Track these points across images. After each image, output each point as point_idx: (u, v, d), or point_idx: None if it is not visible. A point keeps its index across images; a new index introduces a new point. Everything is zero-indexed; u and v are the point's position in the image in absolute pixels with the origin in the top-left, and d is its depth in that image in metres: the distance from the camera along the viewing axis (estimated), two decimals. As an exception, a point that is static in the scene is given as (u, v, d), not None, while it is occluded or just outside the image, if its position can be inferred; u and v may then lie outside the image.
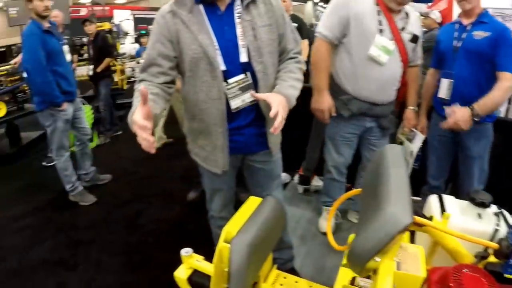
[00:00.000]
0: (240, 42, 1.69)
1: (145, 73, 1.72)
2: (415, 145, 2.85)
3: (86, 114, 4.42)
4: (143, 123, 1.32)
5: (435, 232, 1.57)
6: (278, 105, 1.59)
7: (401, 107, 2.85)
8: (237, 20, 1.69)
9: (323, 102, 2.56)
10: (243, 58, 1.71)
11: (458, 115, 2.38)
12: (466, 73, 2.51)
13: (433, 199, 2.01)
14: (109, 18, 12.10)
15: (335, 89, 2.58)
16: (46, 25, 3.35)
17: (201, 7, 1.68)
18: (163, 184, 4.21)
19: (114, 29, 9.11)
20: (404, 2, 2.38)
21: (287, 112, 1.67)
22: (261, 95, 1.68)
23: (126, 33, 4.55)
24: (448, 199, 2.00)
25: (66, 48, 3.63)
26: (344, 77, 2.53)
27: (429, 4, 6.11)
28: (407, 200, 1.03)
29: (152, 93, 1.60)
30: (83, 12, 11.58)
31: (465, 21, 2.57)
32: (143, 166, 4.66)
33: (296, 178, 3.73)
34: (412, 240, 1.79)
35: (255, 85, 1.75)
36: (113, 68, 7.07)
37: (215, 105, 1.74)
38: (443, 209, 1.89)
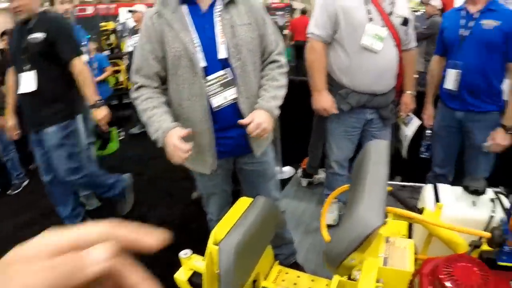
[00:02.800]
0: (219, 39, 1.75)
1: (139, 76, 1.80)
2: (410, 129, 2.84)
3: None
4: (185, 147, 1.65)
5: (427, 224, 1.57)
6: (256, 119, 1.74)
7: (401, 96, 2.82)
8: (217, 19, 1.75)
9: (325, 101, 2.54)
10: (222, 54, 1.76)
11: (499, 140, 2.43)
12: (474, 64, 2.45)
13: (427, 189, 1.99)
14: (114, 17, 12.12)
15: (333, 84, 2.56)
16: None
17: (184, 7, 1.76)
18: (166, 184, 4.24)
19: (119, 28, 9.07)
20: None
21: (271, 123, 1.80)
22: (246, 120, 1.75)
23: (135, 31, 4.49)
24: (443, 188, 1.98)
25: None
26: (340, 72, 2.51)
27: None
28: (379, 202, 1.03)
29: (162, 103, 1.81)
30: (89, 11, 11.59)
31: (472, 9, 2.47)
32: (148, 167, 4.69)
33: (300, 171, 3.74)
34: (411, 230, 1.78)
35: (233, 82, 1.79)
36: (117, 68, 7.08)
37: (198, 101, 1.77)
38: (437, 199, 1.88)
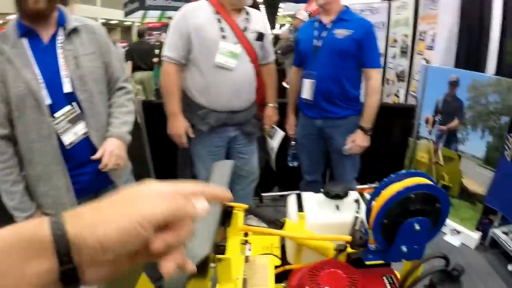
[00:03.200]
0: (63, 73, 1.65)
1: None
2: (275, 141, 2.89)
3: None
4: None
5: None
6: (108, 148, 1.70)
7: (264, 110, 2.84)
8: (59, 51, 1.65)
9: (179, 126, 2.47)
10: (67, 88, 1.66)
11: (358, 142, 2.53)
12: (327, 73, 2.54)
13: (291, 199, 1.96)
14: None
15: (191, 106, 2.50)
16: None
17: (24, 40, 1.62)
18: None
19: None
20: (240, 3, 2.38)
21: (123, 149, 1.79)
22: (98, 154, 1.69)
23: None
24: (307, 196, 1.96)
25: None
26: (197, 92, 2.45)
27: (305, 4, 6.26)
28: (208, 228, 0.97)
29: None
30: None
31: (325, 19, 2.58)
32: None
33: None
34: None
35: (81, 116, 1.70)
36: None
37: (48, 142, 1.64)
38: (300, 208, 1.86)
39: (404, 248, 1.37)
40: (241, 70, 2.40)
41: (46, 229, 0.41)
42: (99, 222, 0.42)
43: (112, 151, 1.69)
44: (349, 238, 1.46)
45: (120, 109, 1.83)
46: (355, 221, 1.77)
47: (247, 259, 1.32)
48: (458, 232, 3.27)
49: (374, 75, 2.53)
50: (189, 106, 2.49)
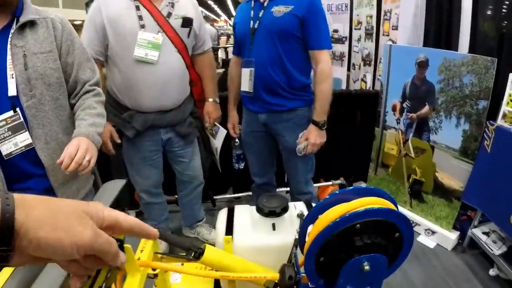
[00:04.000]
0: (9, 72, 1.41)
1: None
2: (219, 141, 2.58)
3: None
4: None
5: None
6: (68, 149, 1.40)
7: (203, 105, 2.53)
8: (8, 46, 1.41)
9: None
10: (12, 91, 1.41)
11: (312, 139, 2.18)
12: (267, 59, 2.15)
13: (221, 215, 1.61)
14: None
15: (116, 108, 2.19)
16: None
17: None
18: None
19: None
20: None
21: (93, 150, 1.48)
22: (61, 158, 1.38)
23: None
24: (240, 211, 1.61)
25: None
26: (119, 92, 2.15)
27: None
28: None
29: None
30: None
31: None
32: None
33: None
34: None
35: (26, 124, 1.45)
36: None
37: None
38: (230, 228, 1.45)
39: (351, 291, 0.97)
40: (167, 63, 2.08)
41: None
42: (46, 223, 0.48)
43: (71, 153, 1.39)
44: (275, 276, 1.13)
45: (88, 110, 1.58)
46: (295, 245, 1.38)
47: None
48: (433, 232, 3.01)
49: (323, 58, 2.12)
50: (114, 108, 2.20)
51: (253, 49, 2.17)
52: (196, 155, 2.53)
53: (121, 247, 1.01)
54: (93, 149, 1.47)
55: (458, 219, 2.96)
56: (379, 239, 0.92)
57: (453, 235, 2.92)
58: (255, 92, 2.21)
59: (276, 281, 1.12)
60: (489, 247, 2.61)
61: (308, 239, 1.00)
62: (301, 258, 1.15)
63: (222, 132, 2.56)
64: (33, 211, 0.48)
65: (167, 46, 2.06)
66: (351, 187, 1.04)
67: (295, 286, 1.06)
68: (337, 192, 1.03)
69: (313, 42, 2.09)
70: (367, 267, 0.91)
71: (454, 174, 2.85)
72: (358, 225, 0.89)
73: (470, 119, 2.66)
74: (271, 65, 2.13)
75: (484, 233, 2.76)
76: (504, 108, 2.45)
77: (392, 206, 1.02)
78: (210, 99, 2.46)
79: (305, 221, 1.08)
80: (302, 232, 1.10)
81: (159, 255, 1.33)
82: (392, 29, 3.90)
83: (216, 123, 2.55)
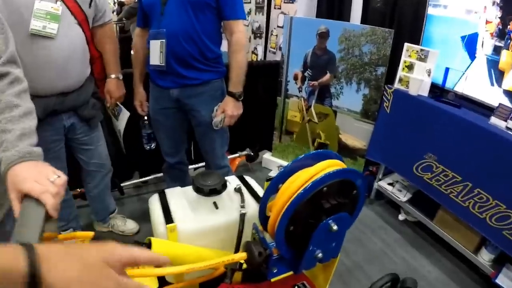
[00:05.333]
0: None
1: None
2: (121, 122, 2.39)
3: None
4: None
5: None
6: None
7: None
8: None
9: None
10: None
11: (229, 111, 2.11)
12: (181, 29, 2.02)
13: (153, 203, 1.47)
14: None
15: None
16: None
17: None
18: None
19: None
20: None
21: (49, 173, 0.96)
22: None
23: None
24: (173, 195, 1.50)
25: None
26: None
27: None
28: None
29: None
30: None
31: None
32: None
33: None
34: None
35: None
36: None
37: None
38: (168, 215, 1.37)
39: (319, 254, 1.04)
40: (67, 36, 1.82)
41: (22, 267, 0.48)
42: (73, 282, 0.51)
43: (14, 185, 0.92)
44: (243, 255, 1.08)
45: (9, 113, 1.04)
46: (242, 219, 1.39)
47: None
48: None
49: (237, 28, 2.08)
50: None
51: (164, 19, 2.04)
52: (102, 140, 2.31)
53: None
54: (45, 174, 0.97)
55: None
56: (342, 198, 1.00)
57: (361, 189, 3.17)
58: (167, 65, 2.10)
59: (242, 261, 1.10)
60: (395, 195, 2.91)
61: (275, 211, 1.01)
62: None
63: (125, 114, 2.37)
64: (58, 266, 0.50)
65: (66, 18, 1.82)
66: (303, 155, 1.09)
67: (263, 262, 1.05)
68: (291, 163, 1.07)
69: (228, 12, 2.04)
70: (335, 227, 0.98)
71: (357, 134, 3.09)
72: (325, 188, 0.96)
73: (369, 84, 2.89)
74: (183, 36, 2.03)
75: (389, 184, 3.05)
76: (400, 73, 2.71)
77: (343, 164, 1.10)
78: (112, 76, 2.23)
79: (267, 193, 1.08)
80: (263, 204, 1.11)
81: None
82: (284, 2, 4.02)
83: (118, 103, 2.35)
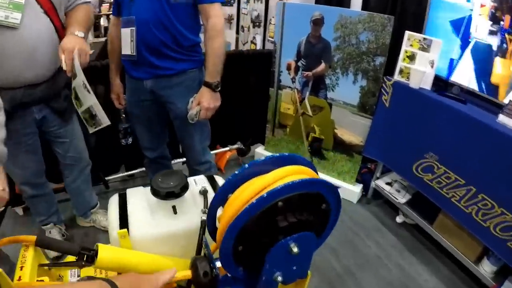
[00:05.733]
0: None
1: None
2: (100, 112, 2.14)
3: None
4: None
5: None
6: None
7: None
8: None
9: None
10: None
11: (205, 103, 1.97)
12: (152, 15, 1.87)
13: (112, 203, 1.32)
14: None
15: None
16: None
17: None
18: None
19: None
20: None
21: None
22: None
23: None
24: (134, 196, 1.33)
25: None
26: None
27: None
28: None
29: None
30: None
31: None
32: None
33: None
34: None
35: None
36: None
37: None
38: (124, 219, 1.22)
39: (279, 277, 0.85)
40: (32, 26, 1.70)
41: None
42: None
43: None
44: (187, 274, 0.94)
45: None
46: (204, 225, 1.21)
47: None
48: (337, 187, 2.98)
49: (213, 12, 1.91)
50: None
51: (133, 5, 1.89)
52: (78, 132, 2.21)
53: None
54: None
55: (360, 173, 3.03)
56: (305, 215, 0.79)
57: (357, 188, 3.00)
58: (139, 55, 1.96)
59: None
60: (393, 196, 2.72)
61: (221, 226, 0.83)
62: (212, 245, 1.00)
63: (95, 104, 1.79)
64: None
65: (31, 7, 1.70)
66: (261, 159, 0.89)
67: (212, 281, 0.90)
68: (247, 166, 0.88)
69: None
70: (295, 249, 0.78)
71: (353, 129, 2.89)
72: (280, 202, 0.75)
73: (367, 75, 2.68)
74: (154, 23, 1.88)
75: (387, 183, 2.87)
76: (401, 64, 2.50)
77: (313, 173, 0.90)
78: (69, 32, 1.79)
79: (214, 203, 0.90)
80: (211, 216, 0.94)
81: (46, 267, 1.11)
82: (283, -11, 3.82)
83: (76, 58, 1.75)
